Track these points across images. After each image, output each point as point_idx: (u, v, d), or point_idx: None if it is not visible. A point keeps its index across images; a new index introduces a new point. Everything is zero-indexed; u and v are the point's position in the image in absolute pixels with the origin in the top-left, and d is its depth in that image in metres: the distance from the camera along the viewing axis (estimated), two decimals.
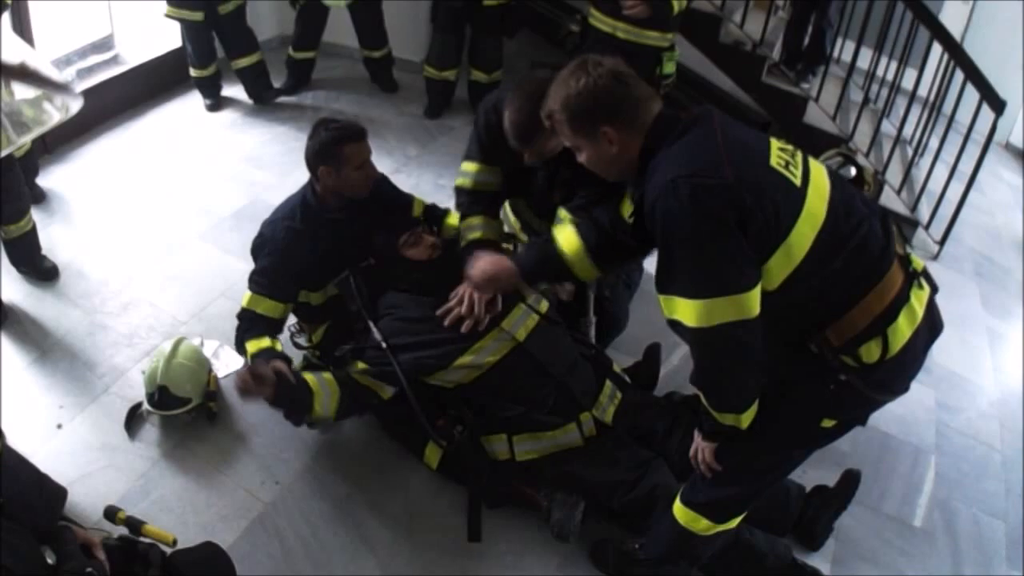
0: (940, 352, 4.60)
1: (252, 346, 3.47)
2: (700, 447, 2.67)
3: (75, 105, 1.67)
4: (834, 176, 2.44)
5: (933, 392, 4.45)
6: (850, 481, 3.44)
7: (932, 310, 2.49)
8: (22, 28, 5.08)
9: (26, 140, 1.57)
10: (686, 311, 2.29)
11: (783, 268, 2.28)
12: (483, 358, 3.32)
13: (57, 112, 1.66)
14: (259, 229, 3.66)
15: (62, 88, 1.65)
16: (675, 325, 2.36)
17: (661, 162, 2.32)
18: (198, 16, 5.73)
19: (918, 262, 2.49)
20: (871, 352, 2.36)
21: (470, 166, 3.53)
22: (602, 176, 2.58)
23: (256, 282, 3.56)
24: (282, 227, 3.59)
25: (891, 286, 2.35)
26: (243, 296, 3.55)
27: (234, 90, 6.35)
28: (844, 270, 2.31)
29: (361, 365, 3.36)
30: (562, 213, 3.38)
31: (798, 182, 2.30)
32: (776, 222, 2.23)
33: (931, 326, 2.49)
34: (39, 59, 1.75)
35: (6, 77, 1.53)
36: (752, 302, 2.25)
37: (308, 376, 3.22)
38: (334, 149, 3.46)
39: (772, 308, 2.30)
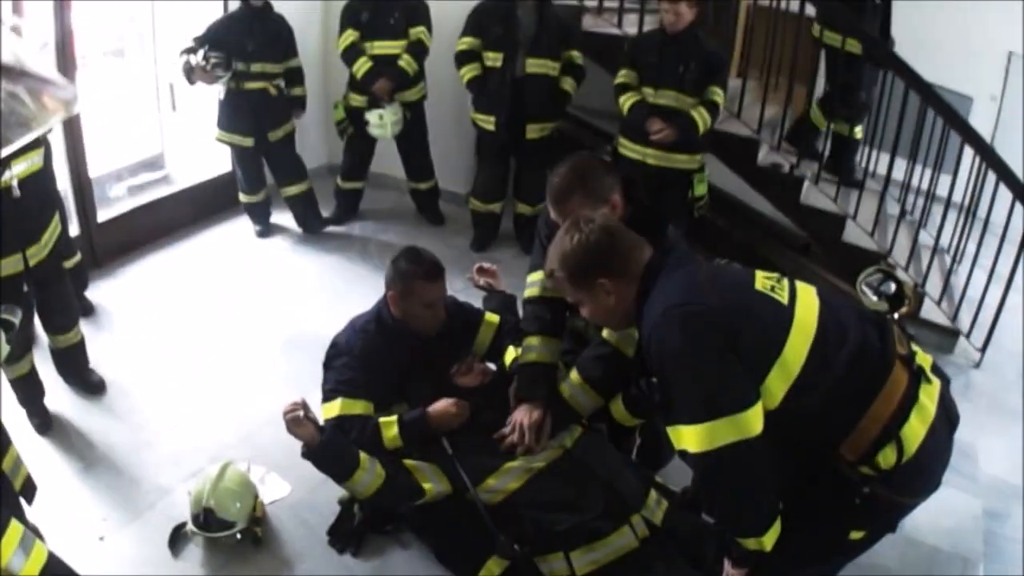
0: (985, 460, 4.60)
1: (383, 421, 3.46)
2: (730, 574, 2.63)
3: (75, 105, 1.67)
4: (823, 293, 2.51)
5: (981, 502, 4.34)
6: None
7: (945, 402, 2.47)
8: (74, 141, 5.27)
9: (27, 139, 1.56)
10: (689, 438, 2.34)
11: (781, 384, 2.32)
12: (532, 462, 3.36)
13: (57, 112, 1.66)
14: (333, 340, 3.68)
15: (61, 87, 1.65)
16: (683, 455, 2.44)
17: (653, 301, 2.45)
18: (248, 142, 5.91)
19: (924, 358, 2.49)
20: (887, 458, 2.35)
21: (536, 275, 3.52)
22: (607, 327, 2.84)
23: (345, 387, 3.50)
24: (358, 337, 3.61)
25: (896, 388, 2.35)
26: (327, 408, 3.49)
27: (283, 217, 6.47)
28: (844, 380, 2.34)
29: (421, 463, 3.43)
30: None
31: (785, 301, 2.40)
32: (766, 339, 2.32)
33: (948, 420, 2.47)
34: (38, 58, 1.76)
35: (5, 77, 1.54)
36: (752, 421, 2.29)
37: (363, 453, 3.29)
38: (405, 280, 3.53)
39: (778, 427, 2.34)
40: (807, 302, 2.43)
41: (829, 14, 5.80)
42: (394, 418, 3.44)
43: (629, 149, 5.35)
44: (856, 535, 2.53)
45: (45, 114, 1.65)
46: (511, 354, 3.77)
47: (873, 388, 2.34)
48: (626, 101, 5.30)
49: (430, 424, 3.42)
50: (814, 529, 2.54)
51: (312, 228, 6.42)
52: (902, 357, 2.41)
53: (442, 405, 3.45)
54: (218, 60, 5.50)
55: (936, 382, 2.46)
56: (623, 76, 5.36)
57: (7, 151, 1.58)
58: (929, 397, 2.41)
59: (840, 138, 6.25)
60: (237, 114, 5.84)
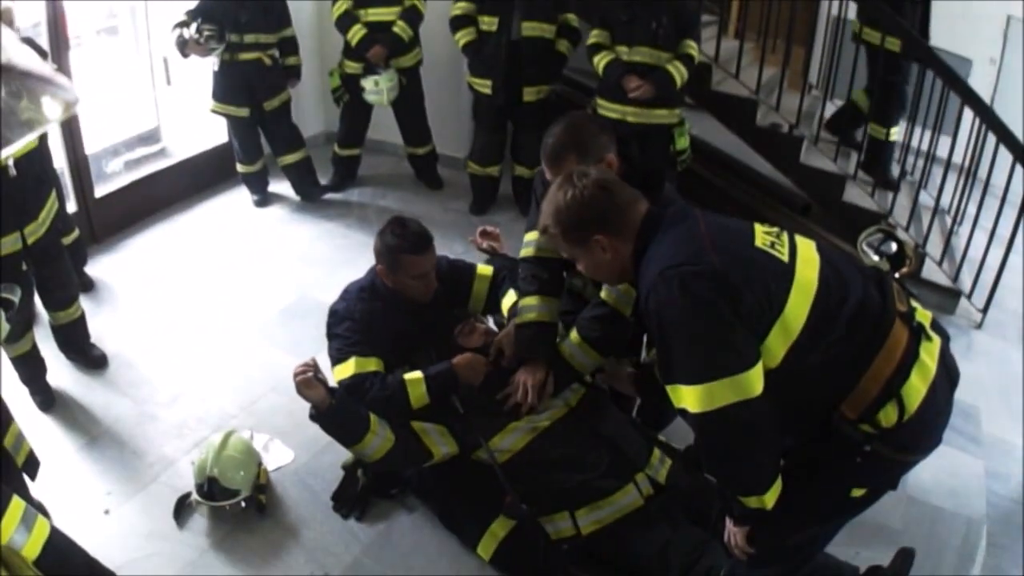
0: (989, 421, 4.62)
1: (409, 378, 3.43)
2: (732, 532, 2.65)
3: (75, 106, 1.66)
4: (823, 249, 2.48)
5: (983, 462, 4.35)
6: (904, 559, 3.32)
7: (946, 360, 2.46)
8: (70, 119, 5.17)
9: (27, 139, 1.56)
10: (689, 398, 2.31)
11: (782, 343, 2.29)
12: (537, 422, 3.39)
13: (57, 112, 1.65)
14: (330, 309, 3.63)
15: (63, 88, 1.65)
16: (683, 414, 2.39)
17: (650, 259, 2.39)
18: (243, 112, 5.91)
19: (924, 315, 2.47)
20: (888, 416, 2.33)
21: (531, 235, 3.50)
22: (603, 282, 2.73)
23: (353, 347, 3.47)
24: (356, 302, 3.58)
25: (896, 346, 2.33)
26: (340, 369, 3.45)
27: (281, 186, 6.47)
28: (845, 338, 2.31)
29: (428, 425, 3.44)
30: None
31: (785, 258, 2.35)
32: (767, 298, 2.27)
33: (948, 377, 2.46)
34: (34, 57, 1.76)
35: (5, 77, 1.53)
36: (752, 382, 2.27)
37: (373, 416, 3.31)
38: (393, 255, 3.50)
39: (779, 386, 2.32)
40: (808, 258, 2.39)
41: (870, 11, 5.75)
42: (419, 375, 3.41)
43: (608, 109, 5.37)
44: (857, 493, 2.52)
45: (45, 114, 1.64)
46: (510, 298, 3.76)
47: (873, 346, 2.32)
48: (600, 61, 5.32)
49: (457, 376, 3.42)
50: (815, 488, 2.53)
51: (310, 196, 6.43)
52: (902, 314, 2.39)
53: (468, 356, 3.47)
54: (211, 32, 5.49)
55: (936, 339, 2.45)
56: (595, 36, 5.37)
57: (7, 151, 1.57)
58: (930, 355, 2.39)
59: (876, 140, 6.18)
60: (232, 85, 5.83)
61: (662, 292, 2.28)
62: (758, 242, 2.37)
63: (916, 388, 2.33)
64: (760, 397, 2.28)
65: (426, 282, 3.57)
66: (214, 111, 5.95)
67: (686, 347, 2.31)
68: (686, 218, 2.45)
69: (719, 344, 2.26)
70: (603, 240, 2.49)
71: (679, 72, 5.17)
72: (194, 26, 5.45)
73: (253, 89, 5.86)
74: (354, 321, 3.52)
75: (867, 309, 2.34)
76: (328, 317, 3.63)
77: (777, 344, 2.29)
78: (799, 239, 2.48)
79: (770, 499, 2.43)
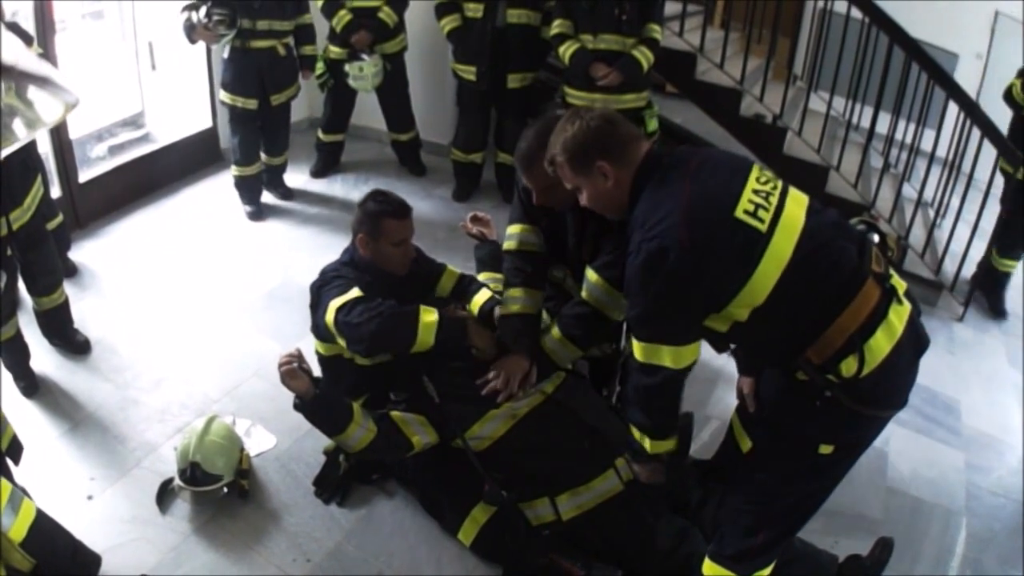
0: (969, 413, 4.68)
1: (424, 308, 3.38)
2: (635, 471, 3.04)
3: (76, 107, 1.67)
4: (813, 211, 2.57)
5: (963, 454, 4.40)
6: (883, 548, 3.37)
7: (915, 326, 2.54)
8: None
9: (27, 140, 1.57)
10: (636, 347, 2.63)
11: (745, 308, 2.45)
12: (515, 408, 3.40)
13: (57, 112, 1.66)
14: (311, 287, 3.60)
15: (63, 89, 1.66)
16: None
17: (638, 214, 2.56)
18: (252, 104, 5.73)
19: (899, 283, 2.55)
20: (849, 367, 2.43)
21: (514, 228, 3.56)
22: (603, 213, 2.80)
23: (353, 284, 3.43)
24: (340, 269, 3.58)
25: (866, 303, 2.43)
26: (344, 296, 3.35)
27: None
28: (813, 293, 2.44)
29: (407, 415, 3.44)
30: (590, 274, 3.35)
31: (764, 227, 2.42)
32: (729, 276, 2.42)
33: (915, 342, 2.55)
34: (34, 57, 1.77)
35: (5, 77, 1.54)
36: (688, 355, 2.59)
37: (356, 406, 3.32)
38: (375, 220, 3.51)
39: (748, 334, 2.54)
40: (789, 224, 2.45)
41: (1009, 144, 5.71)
42: (434, 310, 3.38)
43: (576, 97, 5.41)
44: (826, 450, 2.59)
45: (44, 116, 1.65)
46: (483, 295, 3.82)
47: (842, 301, 2.42)
48: (566, 50, 5.35)
49: (467, 329, 3.44)
50: (784, 444, 2.66)
51: (274, 194, 6.32)
52: (876, 275, 2.47)
53: (481, 328, 3.52)
54: (221, 17, 5.29)
55: (907, 305, 2.53)
56: (559, 26, 5.38)
57: (7, 151, 1.58)
58: (898, 317, 2.47)
59: (995, 271, 6.09)
60: (243, 75, 5.63)
61: (635, 256, 2.48)
62: (739, 210, 2.42)
63: (880, 345, 2.44)
64: (687, 370, 2.62)
65: (405, 250, 3.60)
66: (223, 101, 5.78)
67: (644, 311, 2.56)
68: (680, 172, 2.56)
69: (670, 316, 2.54)
70: (606, 167, 2.63)
71: (645, 56, 5.24)
72: (203, 9, 5.24)
73: (264, 80, 5.69)
74: (343, 277, 3.51)
75: (841, 265, 2.45)
76: (312, 294, 3.59)
77: (740, 310, 2.47)
78: (791, 197, 2.56)
79: (653, 447, 2.80)
